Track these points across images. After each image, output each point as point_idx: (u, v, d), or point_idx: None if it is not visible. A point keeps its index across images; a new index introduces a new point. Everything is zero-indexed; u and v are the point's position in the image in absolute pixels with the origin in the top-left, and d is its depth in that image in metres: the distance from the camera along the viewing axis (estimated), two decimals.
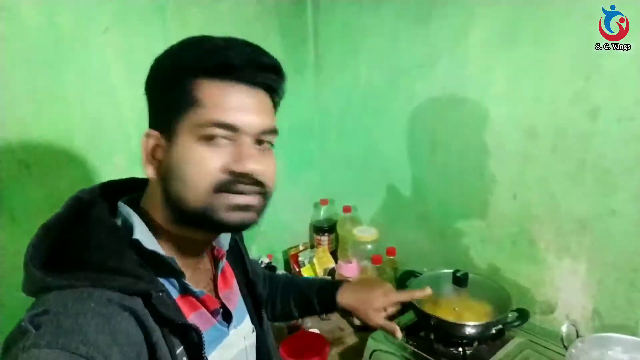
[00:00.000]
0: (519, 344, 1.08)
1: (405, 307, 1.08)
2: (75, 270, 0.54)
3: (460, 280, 1.09)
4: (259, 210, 0.66)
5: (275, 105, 0.71)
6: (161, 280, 0.62)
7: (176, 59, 0.62)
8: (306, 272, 1.58)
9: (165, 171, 0.62)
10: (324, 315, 1.44)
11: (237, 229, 0.66)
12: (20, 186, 1.08)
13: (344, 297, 0.97)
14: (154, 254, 0.61)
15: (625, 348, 0.91)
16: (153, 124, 0.65)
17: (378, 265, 1.43)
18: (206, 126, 0.59)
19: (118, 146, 1.18)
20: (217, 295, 0.74)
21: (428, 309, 1.08)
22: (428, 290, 0.96)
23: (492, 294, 1.11)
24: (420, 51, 1.30)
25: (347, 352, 1.28)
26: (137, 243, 0.60)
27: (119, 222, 0.63)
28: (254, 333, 0.81)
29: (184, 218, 0.63)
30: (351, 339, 1.35)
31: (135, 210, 0.65)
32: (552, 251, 1.12)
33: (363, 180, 1.61)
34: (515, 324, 1.03)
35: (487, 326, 1.01)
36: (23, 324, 0.50)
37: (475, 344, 1.05)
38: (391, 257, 1.46)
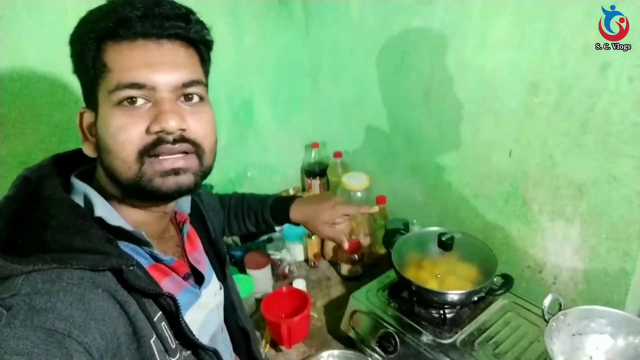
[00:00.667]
0: (502, 306, 1.06)
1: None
2: (39, 252, 0.52)
3: (445, 245, 1.05)
4: (196, 172, 0.61)
5: (203, 56, 0.64)
6: (129, 252, 0.60)
7: (81, 29, 0.58)
8: None
9: (98, 146, 0.60)
10: (312, 264, 1.43)
11: (174, 196, 0.61)
12: None
13: (295, 212, 1.00)
14: (119, 229, 0.59)
15: (611, 320, 0.88)
16: (84, 100, 0.62)
17: (365, 216, 1.39)
18: (115, 90, 0.56)
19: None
20: (187, 260, 0.74)
21: (410, 272, 1.06)
22: (375, 208, 1.05)
23: (479, 256, 1.07)
24: None
25: (332, 303, 1.28)
26: (100, 220, 0.58)
27: (75, 198, 0.60)
28: (221, 290, 0.81)
29: (124, 191, 0.61)
30: (337, 290, 1.35)
31: (90, 185, 0.62)
32: (545, 213, 1.06)
33: (356, 125, 1.52)
34: (499, 292, 1.00)
35: (468, 295, 0.98)
36: None
37: (458, 307, 1.03)
38: (381, 206, 1.42)
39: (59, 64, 1.05)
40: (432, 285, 1.02)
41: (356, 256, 1.35)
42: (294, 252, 1.44)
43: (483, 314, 1.04)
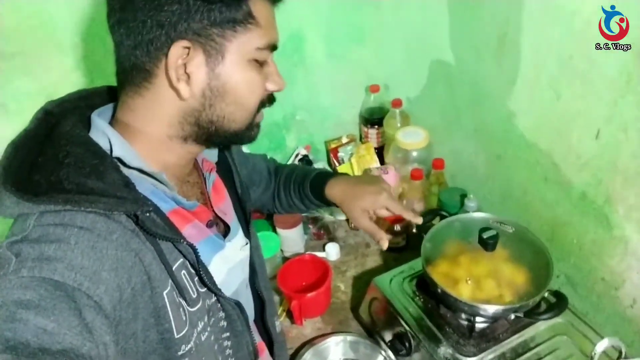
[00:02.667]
0: (553, 326, 0.85)
1: None
2: (52, 191, 0.49)
3: (486, 243, 0.84)
4: None
5: None
6: (149, 195, 0.57)
7: None
8: (344, 170, 1.40)
9: (210, 91, 0.57)
10: (353, 225, 1.30)
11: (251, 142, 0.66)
12: (5, 79, 1.00)
13: (333, 189, 0.88)
14: (139, 170, 0.57)
15: None
16: (183, 32, 0.53)
17: (419, 181, 1.20)
18: (264, 49, 0.58)
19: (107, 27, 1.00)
20: (211, 209, 0.71)
21: (441, 267, 0.88)
22: (419, 220, 0.88)
23: (533, 259, 0.85)
24: None
25: (364, 276, 1.16)
26: (119, 160, 0.56)
27: (95, 137, 0.57)
28: (247, 245, 0.77)
29: (215, 137, 0.61)
30: (374, 260, 1.21)
31: (111, 124, 0.60)
32: (634, 221, 0.79)
33: (420, 67, 1.26)
34: (544, 316, 0.79)
35: (503, 312, 0.79)
36: (2, 250, 0.47)
37: (491, 320, 0.85)
38: (438, 171, 1.21)
39: None
40: (463, 290, 0.84)
41: (398, 226, 1.18)
42: (334, 210, 1.31)
43: (525, 332, 0.85)
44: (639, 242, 0.79)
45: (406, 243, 1.21)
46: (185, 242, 0.57)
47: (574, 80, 0.81)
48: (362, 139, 1.49)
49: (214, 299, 0.65)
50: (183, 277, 0.59)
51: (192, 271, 0.60)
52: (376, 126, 1.43)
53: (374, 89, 1.40)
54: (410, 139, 1.24)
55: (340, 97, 1.46)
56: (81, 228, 0.48)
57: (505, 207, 1.04)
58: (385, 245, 0.83)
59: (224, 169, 0.78)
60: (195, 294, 0.60)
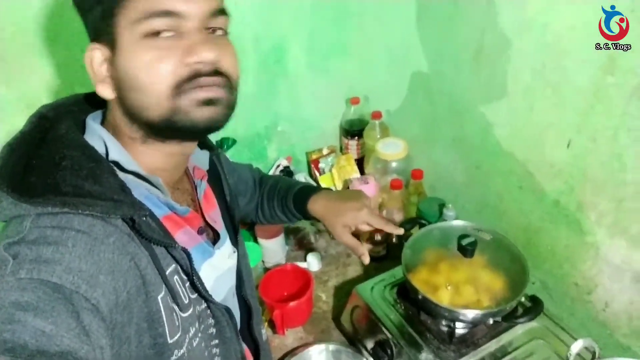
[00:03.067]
0: (529, 330, 0.87)
1: None
2: (49, 193, 0.49)
3: (465, 250, 0.86)
4: (227, 104, 0.58)
5: None
6: (143, 200, 0.56)
7: None
8: (324, 181, 1.42)
9: (119, 84, 0.55)
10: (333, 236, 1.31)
11: (208, 129, 0.58)
12: None
13: (315, 204, 0.88)
14: (134, 174, 0.57)
15: None
16: (92, 36, 0.56)
17: (399, 191, 1.22)
18: (143, 19, 0.51)
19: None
20: (202, 216, 0.71)
21: (422, 274, 0.89)
22: (400, 231, 0.88)
23: (510, 265, 0.87)
24: None
25: (345, 286, 1.16)
26: (115, 164, 0.56)
27: (90, 140, 0.57)
28: (235, 254, 0.77)
29: (152, 130, 0.57)
30: (355, 270, 1.22)
31: (104, 127, 0.60)
32: (604, 226, 0.82)
33: (400, 80, 1.30)
34: (521, 320, 0.80)
35: (482, 316, 0.80)
36: None
37: (470, 325, 0.86)
38: (417, 181, 1.23)
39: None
40: (442, 296, 0.85)
41: (379, 236, 1.19)
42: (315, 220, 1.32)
43: (503, 336, 0.86)
44: (610, 247, 0.82)
45: (387, 252, 1.23)
46: (179, 248, 0.57)
47: (546, 90, 0.84)
48: (343, 150, 1.51)
49: (204, 305, 0.65)
50: (176, 282, 0.59)
51: (184, 277, 0.60)
52: (356, 137, 1.45)
53: (354, 101, 1.42)
54: (390, 149, 1.26)
55: (321, 108, 1.47)
56: (78, 231, 0.48)
57: (483, 215, 1.06)
58: (366, 260, 0.85)
59: (214, 177, 0.78)
60: (187, 300, 0.60)
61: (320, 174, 1.43)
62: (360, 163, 1.45)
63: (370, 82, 1.44)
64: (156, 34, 0.52)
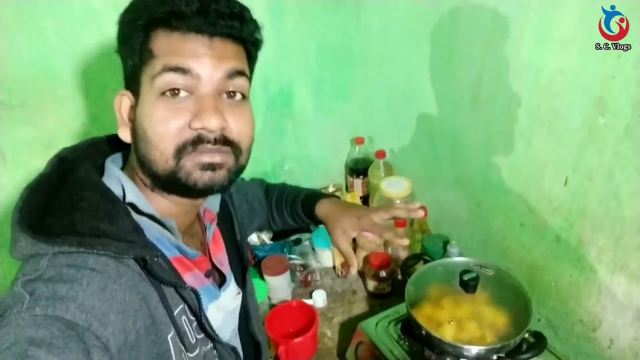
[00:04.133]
0: None
1: None
2: (66, 234, 0.51)
3: (467, 285, 0.87)
4: (231, 169, 0.60)
5: (251, 55, 0.63)
6: (154, 242, 0.58)
7: (132, 13, 0.57)
8: None
9: (135, 132, 0.58)
10: (340, 273, 1.32)
11: (206, 191, 0.60)
12: (5, 128, 1.05)
13: (321, 207, 0.90)
14: (150, 217, 0.59)
15: None
16: (125, 84, 0.61)
17: (403, 229, 1.24)
18: (160, 73, 0.55)
19: (108, 80, 1.04)
20: (209, 260, 0.72)
21: (425, 310, 0.90)
22: (405, 241, 0.86)
23: (513, 301, 0.87)
24: None
25: (351, 322, 1.17)
26: (131, 206, 0.58)
27: (107, 183, 0.59)
28: (239, 295, 0.78)
29: (157, 181, 0.59)
30: (360, 306, 1.23)
31: (123, 171, 0.62)
32: (604, 262, 0.83)
33: (403, 121, 1.34)
34: (525, 356, 0.81)
35: (485, 352, 0.81)
36: (16, 288, 0.48)
37: None
38: (422, 219, 1.25)
39: (79, 45, 1.03)
40: (446, 332, 0.85)
41: (384, 273, 1.20)
42: (321, 258, 1.34)
43: None
44: (611, 283, 0.83)
45: (391, 289, 1.23)
46: (188, 288, 0.58)
47: (542, 130, 0.88)
48: (348, 188, 1.54)
49: (210, 345, 0.65)
50: (184, 322, 0.60)
51: (192, 317, 0.61)
52: (361, 176, 1.49)
53: (359, 141, 1.47)
54: (394, 188, 1.29)
55: (327, 148, 1.52)
56: (93, 270, 0.50)
57: (486, 252, 1.08)
58: (354, 270, 0.85)
59: (226, 218, 0.80)
60: (194, 340, 0.61)
61: None
62: (365, 201, 1.48)
63: (373, 123, 1.49)
64: (172, 92, 0.55)
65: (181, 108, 0.55)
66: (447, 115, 1.15)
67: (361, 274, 1.32)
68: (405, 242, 0.86)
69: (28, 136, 1.07)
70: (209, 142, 0.56)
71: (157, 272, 0.54)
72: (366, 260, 1.26)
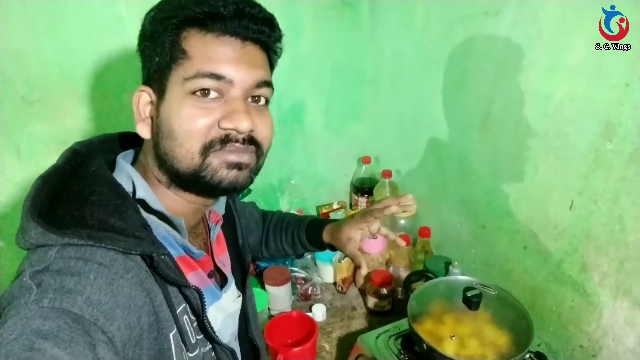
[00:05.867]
0: None
1: None
2: (76, 226, 0.51)
3: (470, 302, 0.88)
4: (253, 170, 0.62)
5: (272, 63, 0.65)
6: (160, 239, 0.58)
7: (164, 11, 0.57)
8: None
9: (157, 129, 0.59)
10: (340, 289, 1.32)
11: (229, 190, 0.61)
12: (23, 123, 1.07)
13: (326, 230, 0.90)
14: (159, 214, 0.60)
15: None
16: (145, 80, 0.61)
17: (406, 247, 1.25)
18: (193, 78, 0.55)
19: (127, 83, 1.08)
20: (212, 260, 0.72)
21: (426, 325, 0.90)
22: (402, 242, 0.89)
23: (514, 321, 0.88)
24: None
25: (349, 337, 1.16)
26: (141, 202, 0.58)
27: (118, 178, 0.60)
28: (239, 298, 0.78)
29: (178, 179, 0.60)
30: (359, 323, 1.22)
31: (135, 167, 0.63)
32: (607, 287, 0.84)
33: (410, 143, 1.37)
34: None
35: None
36: (24, 279, 0.48)
37: None
38: (424, 239, 1.26)
39: (103, 49, 1.07)
40: (447, 347, 0.86)
41: (385, 290, 1.21)
42: (322, 273, 1.34)
43: None
44: (614, 308, 0.84)
45: (391, 307, 1.23)
46: (192, 287, 0.58)
47: (550, 155, 0.90)
48: (352, 206, 1.56)
49: (208, 347, 0.65)
50: (185, 321, 0.60)
51: (193, 317, 0.62)
52: (366, 195, 1.50)
53: (365, 160, 1.50)
54: None
55: (334, 165, 1.55)
56: (100, 264, 0.50)
57: (488, 274, 1.08)
58: (364, 271, 0.85)
59: (229, 221, 0.80)
60: (194, 340, 0.61)
61: None
62: None
63: (381, 144, 1.52)
64: (202, 92, 0.56)
65: (211, 107, 0.56)
66: (455, 138, 1.18)
67: (361, 291, 1.32)
68: (402, 243, 0.89)
69: (44, 132, 1.09)
70: (237, 141, 0.57)
71: (163, 270, 0.54)
72: (368, 277, 1.27)
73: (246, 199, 1.40)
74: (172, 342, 0.56)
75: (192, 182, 0.59)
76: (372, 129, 1.53)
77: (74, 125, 1.11)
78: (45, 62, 1.03)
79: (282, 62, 1.34)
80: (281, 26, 1.29)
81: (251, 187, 1.39)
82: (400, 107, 1.39)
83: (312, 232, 0.92)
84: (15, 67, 1.01)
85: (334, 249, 0.91)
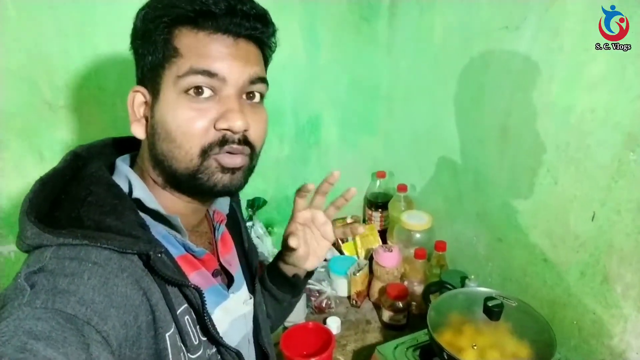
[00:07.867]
0: None
1: None
2: (72, 226, 0.52)
3: (491, 312, 0.87)
4: (245, 172, 0.63)
5: (267, 59, 0.66)
6: (160, 239, 0.59)
7: (156, 9, 0.57)
8: (347, 249, 1.45)
9: (152, 130, 0.59)
10: (354, 302, 1.31)
11: (223, 193, 0.62)
12: (47, 127, 1.09)
13: (275, 261, 0.85)
14: (155, 213, 0.60)
15: None
16: (139, 80, 0.61)
17: (422, 261, 1.24)
18: (186, 75, 0.56)
19: None
20: (217, 259, 0.72)
21: (446, 336, 0.89)
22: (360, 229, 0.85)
23: (535, 333, 0.87)
24: (504, 8, 1.00)
25: (364, 351, 1.15)
26: (137, 202, 0.59)
27: (117, 180, 0.61)
28: (250, 301, 0.77)
29: (174, 180, 0.61)
30: (374, 336, 1.21)
31: (133, 169, 0.64)
32: (631, 298, 0.84)
33: (426, 157, 1.38)
34: None
35: None
36: (19, 280, 0.48)
37: None
38: (440, 253, 1.26)
39: (130, 59, 1.08)
40: (468, 357, 0.85)
41: (400, 304, 1.20)
42: (337, 286, 1.33)
43: None
44: (637, 319, 0.83)
45: (407, 321, 1.22)
46: (192, 286, 0.58)
47: (570, 167, 0.90)
48: (366, 220, 1.56)
49: (214, 349, 0.64)
50: (186, 322, 0.59)
51: (195, 318, 0.61)
52: (380, 210, 1.51)
53: (380, 174, 1.50)
54: (414, 220, 1.31)
55: (348, 179, 1.52)
56: (95, 263, 0.50)
57: (505, 288, 1.08)
58: (360, 229, 0.83)
59: (233, 223, 0.80)
60: (197, 341, 0.61)
61: (343, 242, 1.47)
62: (382, 235, 1.49)
63: (395, 158, 1.53)
64: (196, 91, 0.56)
65: (206, 108, 0.57)
66: (471, 152, 1.19)
67: (376, 305, 1.31)
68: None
69: (67, 138, 1.11)
70: (233, 142, 0.58)
71: (160, 269, 0.54)
72: (383, 290, 1.26)
73: (262, 210, 1.41)
74: (167, 342, 0.55)
75: (188, 183, 0.60)
76: (387, 143, 1.54)
77: (96, 131, 1.12)
78: (73, 68, 1.06)
79: (300, 75, 1.37)
80: (300, 40, 1.33)
81: (266, 197, 1.41)
82: (415, 122, 1.41)
83: (270, 274, 0.86)
84: (42, 72, 1.04)
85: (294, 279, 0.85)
